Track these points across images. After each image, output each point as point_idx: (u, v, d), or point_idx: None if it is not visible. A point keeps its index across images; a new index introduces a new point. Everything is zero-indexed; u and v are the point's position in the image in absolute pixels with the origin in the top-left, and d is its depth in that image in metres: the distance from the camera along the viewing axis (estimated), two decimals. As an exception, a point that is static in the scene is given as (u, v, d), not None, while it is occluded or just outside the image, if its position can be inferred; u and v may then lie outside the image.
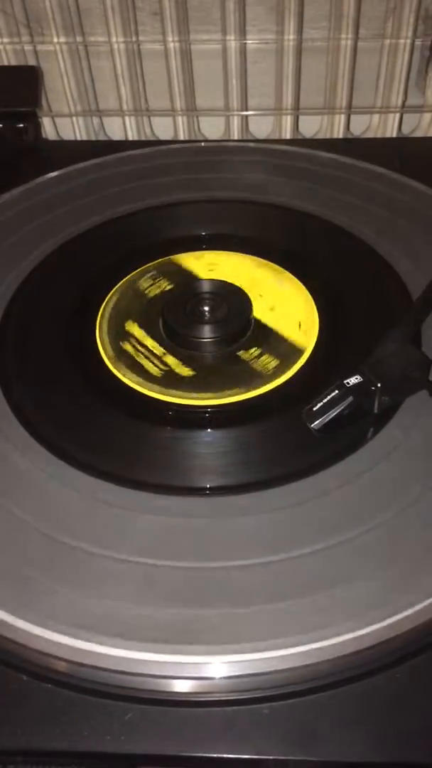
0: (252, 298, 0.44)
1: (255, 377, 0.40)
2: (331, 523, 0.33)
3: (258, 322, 0.43)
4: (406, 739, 0.28)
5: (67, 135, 0.68)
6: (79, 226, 0.51)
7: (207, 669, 0.29)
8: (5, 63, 0.64)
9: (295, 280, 0.46)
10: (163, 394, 0.39)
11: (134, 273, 0.47)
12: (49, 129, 0.67)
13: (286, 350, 0.42)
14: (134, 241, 0.50)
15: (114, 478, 0.35)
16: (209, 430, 0.38)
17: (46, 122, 0.66)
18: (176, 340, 0.42)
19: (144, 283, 0.46)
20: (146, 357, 0.42)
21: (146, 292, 0.46)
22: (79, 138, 0.67)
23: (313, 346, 0.42)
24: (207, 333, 0.42)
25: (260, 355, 0.41)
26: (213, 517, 0.34)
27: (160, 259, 0.48)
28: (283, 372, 0.40)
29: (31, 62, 0.64)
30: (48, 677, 0.30)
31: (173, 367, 0.41)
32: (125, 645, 0.29)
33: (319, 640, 0.29)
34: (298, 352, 0.41)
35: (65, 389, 0.40)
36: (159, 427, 0.38)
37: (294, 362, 0.41)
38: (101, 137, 0.68)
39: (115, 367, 0.41)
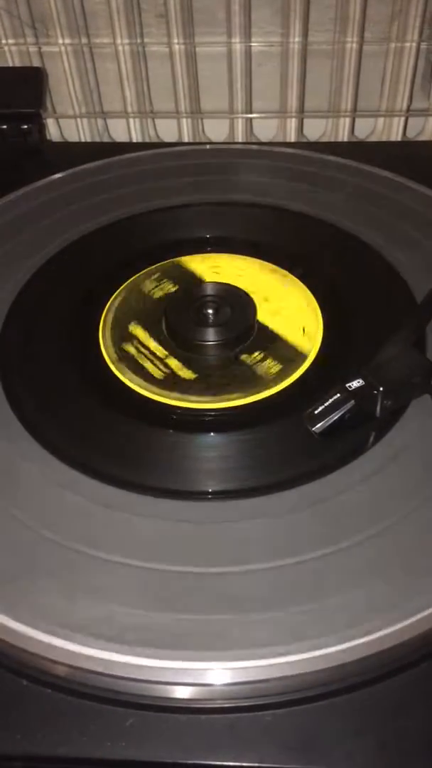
0: (256, 302, 0.44)
1: (257, 381, 0.40)
2: (332, 529, 0.33)
3: (261, 326, 0.43)
4: (409, 748, 0.28)
5: (72, 137, 0.68)
6: (83, 228, 0.51)
7: (209, 675, 0.29)
8: (10, 64, 0.64)
9: (300, 283, 0.46)
10: (165, 396, 0.39)
11: (138, 275, 0.47)
12: (53, 130, 0.67)
13: (289, 354, 0.41)
14: (138, 244, 0.50)
15: (114, 480, 0.35)
16: (211, 433, 0.38)
17: (51, 124, 0.66)
18: (179, 343, 0.42)
19: (148, 285, 0.46)
20: (149, 359, 0.42)
21: (150, 294, 0.46)
22: (83, 140, 0.67)
23: (317, 351, 0.41)
24: (210, 336, 0.42)
25: (263, 359, 0.41)
26: (214, 521, 0.34)
27: (164, 261, 0.48)
28: (286, 376, 0.40)
29: (36, 63, 0.64)
30: (48, 682, 0.29)
31: (176, 369, 0.41)
32: (126, 650, 0.29)
33: (322, 648, 0.29)
34: (301, 356, 0.41)
35: (67, 391, 0.40)
36: (160, 429, 0.38)
37: (297, 367, 0.41)
38: (105, 139, 0.68)
39: (117, 369, 0.41)
